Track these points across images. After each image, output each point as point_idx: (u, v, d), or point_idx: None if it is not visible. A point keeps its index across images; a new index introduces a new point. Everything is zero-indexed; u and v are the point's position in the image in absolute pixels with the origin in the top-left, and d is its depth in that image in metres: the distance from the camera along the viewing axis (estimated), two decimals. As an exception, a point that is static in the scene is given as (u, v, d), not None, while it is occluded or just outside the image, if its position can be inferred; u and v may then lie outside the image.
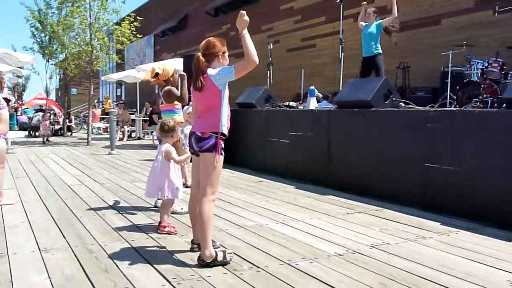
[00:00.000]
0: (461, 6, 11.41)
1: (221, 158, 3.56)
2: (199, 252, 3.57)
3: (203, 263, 3.49)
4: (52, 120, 18.88)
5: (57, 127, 20.00)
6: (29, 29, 18.73)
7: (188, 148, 3.95)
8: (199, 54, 3.59)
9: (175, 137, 4.74)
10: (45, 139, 15.96)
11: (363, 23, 8.89)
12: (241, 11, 3.54)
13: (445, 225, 4.79)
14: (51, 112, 19.95)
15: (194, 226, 3.86)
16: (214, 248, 3.73)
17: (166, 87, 5.79)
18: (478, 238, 4.33)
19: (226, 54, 3.70)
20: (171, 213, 5.05)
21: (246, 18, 3.50)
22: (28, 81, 52.59)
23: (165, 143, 4.60)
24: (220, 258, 3.51)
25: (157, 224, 4.56)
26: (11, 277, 3.25)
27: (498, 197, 4.73)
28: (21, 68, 16.36)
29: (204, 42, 3.68)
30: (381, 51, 8.61)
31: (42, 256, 3.71)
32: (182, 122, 6.02)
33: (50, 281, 3.18)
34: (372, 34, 8.59)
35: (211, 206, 3.55)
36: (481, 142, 4.95)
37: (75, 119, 24.37)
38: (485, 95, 7.89)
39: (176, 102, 5.88)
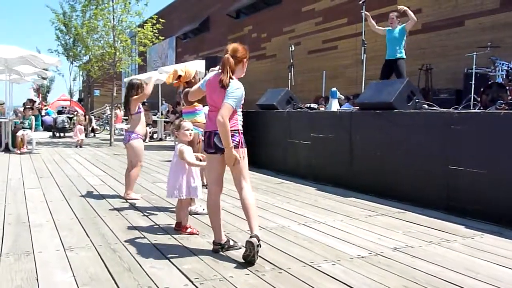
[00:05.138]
0: (486, 7, 11.24)
1: (246, 150, 3.81)
2: (223, 249, 3.79)
3: (258, 243, 3.53)
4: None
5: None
6: (54, 31, 19.10)
7: None
8: (230, 55, 3.70)
9: (185, 136, 4.59)
10: (80, 144, 14.81)
11: (382, 28, 8.88)
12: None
13: (469, 228, 4.72)
14: (75, 113, 20.19)
15: (214, 225, 3.88)
16: (235, 249, 3.80)
17: (187, 89, 5.78)
18: (503, 242, 4.26)
19: (247, 62, 3.87)
20: (193, 214, 5.08)
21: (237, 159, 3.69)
22: (52, 83, 53.27)
23: (180, 143, 4.58)
24: None
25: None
26: (37, 275, 3.30)
27: (524, 200, 4.65)
28: (46, 70, 16.59)
29: (232, 45, 3.80)
30: (404, 56, 8.58)
31: (66, 255, 3.76)
32: (204, 123, 6.01)
33: (75, 279, 3.22)
34: (397, 38, 8.58)
35: (252, 192, 3.84)
36: (506, 144, 4.87)
37: (97, 120, 24.64)
38: (510, 97, 7.74)
39: (196, 103, 5.88)
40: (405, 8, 8.54)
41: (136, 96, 6.13)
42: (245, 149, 3.81)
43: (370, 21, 9.00)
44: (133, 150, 6.19)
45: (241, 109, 3.81)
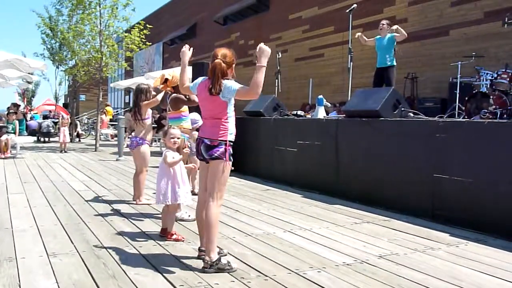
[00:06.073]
0: (470, 18, 11.40)
1: (229, 164, 3.66)
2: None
3: (206, 266, 3.50)
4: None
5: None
6: (40, 35, 18.94)
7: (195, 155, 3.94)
8: (221, 60, 3.62)
9: (172, 142, 4.54)
10: (64, 149, 14.48)
11: (371, 39, 8.95)
12: (261, 44, 3.61)
13: (454, 236, 4.76)
14: (60, 117, 19.98)
15: (201, 232, 3.85)
16: (221, 256, 3.76)
17: (173, 94, 5.75)
18: (487, 250, 4.30)
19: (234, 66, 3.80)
20: (179, 220, 5.05)
21: (267, 49, 3.60)
22: (37, 87, 52.85)
23: (167, 149, 4.54)
24: (224, 261, 3.56)
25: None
26: (19, 281, 3.25)
27: (507, 208, 4.70)
28: (31, 74, 16.42)
29: (222, 50, 3.72)
30: (395, 64, 8.65)
31: (50, 261, 3.71)
32: (190, 129, 6.00)
33: (58, 286, 3.18)
34: (386, 46, 8.64)
35: (218, 211, 3.64)
36: (490, 153, 4.93)
37: (81, 125, 24.40)
38: (494, 106, 7.85)
39: (183, 109, 5.87)
40: (397, 26, 8.63)
41: (146, 102, 6.14)
42: (230, 163, 3.65)
43: (363, 39, 9.02)
44: (141, 155, 6.21)
45: (232, 116, 3.69)
